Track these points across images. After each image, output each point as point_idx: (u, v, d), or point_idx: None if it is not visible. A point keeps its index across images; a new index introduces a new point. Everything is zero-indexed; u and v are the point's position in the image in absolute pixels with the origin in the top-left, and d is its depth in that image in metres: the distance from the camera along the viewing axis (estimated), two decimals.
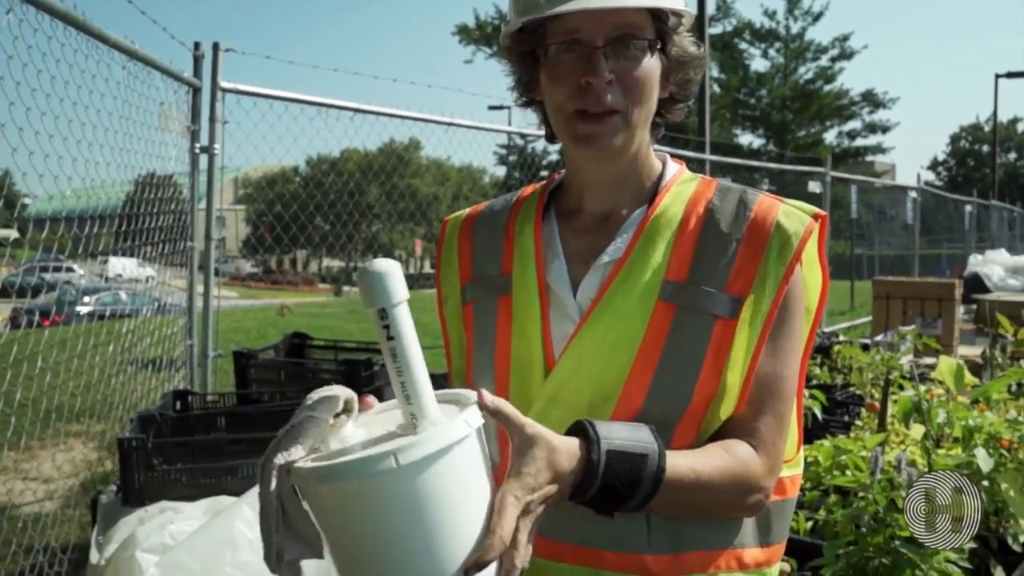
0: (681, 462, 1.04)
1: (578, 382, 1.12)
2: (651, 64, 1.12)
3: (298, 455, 0.89)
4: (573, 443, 0.97)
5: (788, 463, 1.19)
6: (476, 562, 0.87)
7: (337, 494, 0.87)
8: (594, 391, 1.11)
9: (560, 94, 1.13)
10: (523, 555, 0.91)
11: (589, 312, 1.13)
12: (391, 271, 0.91)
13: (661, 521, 1.11)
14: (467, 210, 1.35)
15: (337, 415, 0.93)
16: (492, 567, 0.90)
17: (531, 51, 1.16)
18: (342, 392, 0.94)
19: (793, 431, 1.19)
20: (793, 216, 1.14)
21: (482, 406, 0.93)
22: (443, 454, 0.86)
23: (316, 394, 0.93)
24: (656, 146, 1.26)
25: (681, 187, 1.21)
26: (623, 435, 1.00)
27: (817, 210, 1.16)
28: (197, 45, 4.35)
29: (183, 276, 4.57)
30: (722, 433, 1.13)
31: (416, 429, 0.91)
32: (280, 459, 0.88)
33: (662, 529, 1.11)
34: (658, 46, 1.13)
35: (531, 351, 1.16)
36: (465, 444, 0.89)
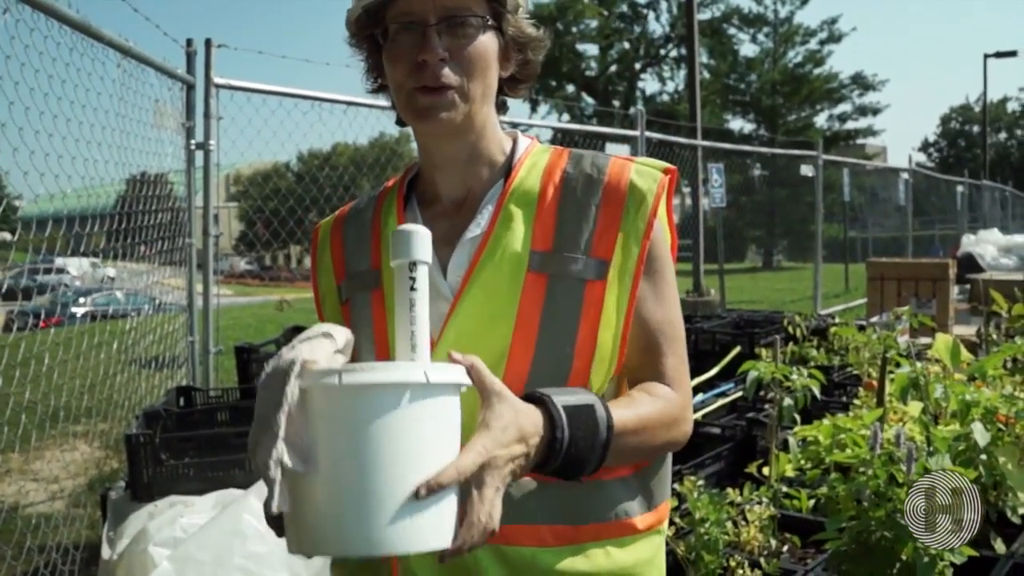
0: (621, 408, 1.09)
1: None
2: (485, 41, 1.16)
3: (308, 356, 0.91)
4: (531, 406, 1.01)
5: None
6: (429, 484, 0.87)
7: (352, 396, 0.89)
8: None
9: (399, 72, 1.15)
10: (490, 512, 0.92)
11: (461, 289, 1.16)
12: (425, 233, 1.02)
13: (559, 492, 1.14)
14: (337, 211, 1.38)
15: (335, 352, 0.97)
16: (451, 525, 0.91)
17: (373, 35, 1.19)
18: (344, 331, 1.01)
19: None
20: (645, 174, 1.20)
21: (456, 361, 0.97)
22: (442, 391, 0.93)
23: (320, 326, 1.00)
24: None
25: (535, 159, 1.24)
26: (566, 393, 1.05)
27: (667, 165, 1.21)
28: (190, 42, 4.36)
29: (181, 274, 4.58)
30: (633, 382, 1.18)
31: None
32: (293, 355, 0.90)
33: (559, 502, 1.14)
34: (491, 23, 1.16)
35: None
36: (454, 389, 0.96)
